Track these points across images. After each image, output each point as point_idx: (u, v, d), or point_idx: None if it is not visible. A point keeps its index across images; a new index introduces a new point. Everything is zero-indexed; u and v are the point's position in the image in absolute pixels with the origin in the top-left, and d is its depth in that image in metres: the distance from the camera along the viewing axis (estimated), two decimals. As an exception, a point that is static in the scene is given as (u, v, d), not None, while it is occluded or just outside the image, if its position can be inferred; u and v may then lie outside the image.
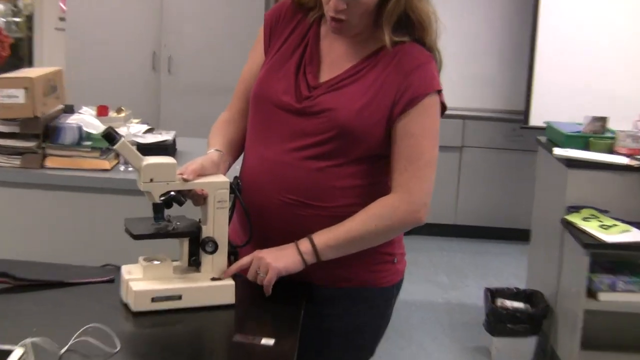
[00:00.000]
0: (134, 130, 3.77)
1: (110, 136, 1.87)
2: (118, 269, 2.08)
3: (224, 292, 1.99)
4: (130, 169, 3.36)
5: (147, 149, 3.23)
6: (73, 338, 1.71)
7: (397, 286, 2.26)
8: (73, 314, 1.90)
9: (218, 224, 1.99)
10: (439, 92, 2.06)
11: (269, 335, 1.82)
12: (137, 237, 1.90)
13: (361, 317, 2.16)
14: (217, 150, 2.12)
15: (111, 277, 2.12)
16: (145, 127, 3.90)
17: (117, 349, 1.73)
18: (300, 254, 2.01)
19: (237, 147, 2.24)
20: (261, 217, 2.10)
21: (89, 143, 3.34)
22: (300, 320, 1.96)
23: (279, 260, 2.00)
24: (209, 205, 1.98)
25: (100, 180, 3.32)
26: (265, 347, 1.78)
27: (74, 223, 3.35)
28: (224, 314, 1.96)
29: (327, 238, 2.02)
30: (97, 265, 2.22)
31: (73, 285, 2.06)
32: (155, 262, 1.97)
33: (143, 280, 1.94)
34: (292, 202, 2.06)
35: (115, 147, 1.88)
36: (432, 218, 5.55)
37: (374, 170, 2.10)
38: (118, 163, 3.49)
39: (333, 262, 2.06)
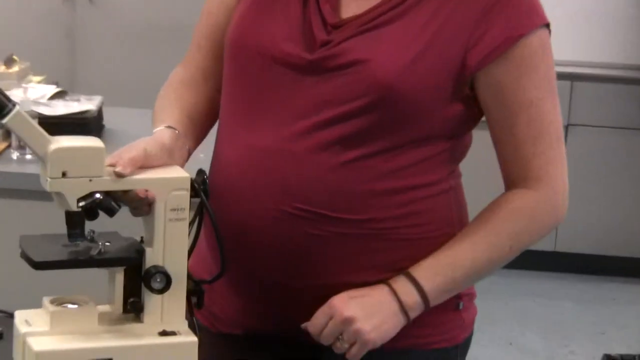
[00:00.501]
0: (34, 95, 3.37)
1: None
2: (9, 316, 1.88)
3: (181, 354, 1.65)
4: (29, 156, 3.01)
5: (56, 125, 2.69)
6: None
7: (463, 347, 1.88)
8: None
9: (172, 247, 1.67)
10: (547, 25, 1.73)
11: None
12: (39, 265, 1.62)
13: None
14: (168, 127, 1.75)
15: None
16: (54, 89, 3.49)
17: None
18: (404, 309, 1.67)
19: (201, 124, 1.87)
20: (245, 237, 1.74)
21: None
22: None
23: (378, 328, 1.66)
24: (157, 216, 1.66)
25: None
26: None
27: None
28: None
29: (440, 278, 1.70)
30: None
31: None
32: (70, 306, 1.67)
33: (50, 334, 1.65)
34: (299, 216, 1.70)
35: (4, 121, 1.57)
36: None
37: (437, 161, 1.74)
38: (9, 147, 3.07)
39: None
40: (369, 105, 1.68)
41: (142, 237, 1.70)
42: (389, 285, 1.69)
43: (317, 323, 1.68)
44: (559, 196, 1.75)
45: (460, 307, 1.84)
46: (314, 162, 1.71)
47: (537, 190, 1.73)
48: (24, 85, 3.46)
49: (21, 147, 2.98)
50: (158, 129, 1.75)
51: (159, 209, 1.65)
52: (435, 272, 1.70)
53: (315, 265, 1.71)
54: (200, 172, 1.70)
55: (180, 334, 1.66)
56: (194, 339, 1.65)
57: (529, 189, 1.73)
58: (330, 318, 1.67)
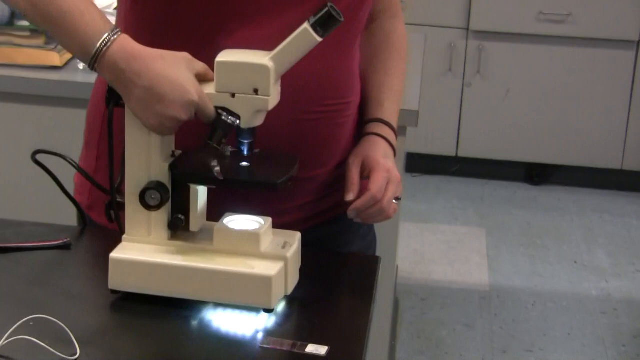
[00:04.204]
0: (101, 4, 3.07)
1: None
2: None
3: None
4: None
5: None
6: (4, 338, 1.36)
7: None
8: (7, 296, 1.55)
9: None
10: None
11: (318, 341, 1.42)
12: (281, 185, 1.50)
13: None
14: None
15: (66, 239, 1.68)
16: None
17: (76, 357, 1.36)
18: (394, 151, 1.71)
19: None
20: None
21: (26, 23, 2.79)
22: (370, 317, 1.52)
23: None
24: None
25: (47, 84, 2.79)
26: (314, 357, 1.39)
27: (11, 150, 2.85)
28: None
29: (396, 117, 1.76)
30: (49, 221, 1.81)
31: (7, 251, 1.68)
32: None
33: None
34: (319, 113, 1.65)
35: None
36: (582, 158, 4.89)
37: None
38: (74, 57, 2.86)
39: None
40: None
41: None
42: (384, 138, 1.70)
43: (381, 188, 1.63)
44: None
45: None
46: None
47: (399, 18, 1.80)
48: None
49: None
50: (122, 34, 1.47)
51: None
52: (395, 110, 1.75)
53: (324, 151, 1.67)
54: None
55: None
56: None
57: (393, 18, 1.79)
58: (389, 182, 1.64)
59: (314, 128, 1.63)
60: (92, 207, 1.69)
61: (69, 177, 1.71)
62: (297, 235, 1.50)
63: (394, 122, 1.73)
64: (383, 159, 1.64)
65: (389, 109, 1.74)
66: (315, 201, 1.69)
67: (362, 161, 1.65)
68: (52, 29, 1.47)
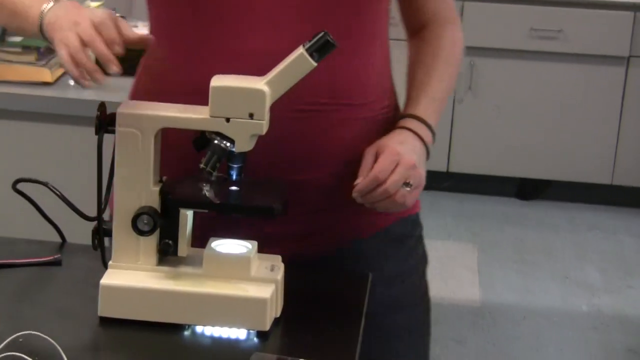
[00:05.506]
0: None
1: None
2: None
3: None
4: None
5: None
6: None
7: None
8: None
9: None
10: None
11: (309, 356, 1.42)
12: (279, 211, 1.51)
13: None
14: None
15: (57, 256, 1.70)
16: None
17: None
18: (428, 152, 1.67)
19: None
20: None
21: (17, 39, 2.83)
22: (360, 333, 1.53)
23: (425, 173, 1.63)
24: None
25: (38, 100, 2.80)
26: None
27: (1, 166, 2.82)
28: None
29: (435, 116, 1.71)
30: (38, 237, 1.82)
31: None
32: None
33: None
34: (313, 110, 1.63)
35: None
36: (572, 174, 4.91)
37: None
38: (65, 73, 2.91)
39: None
40: None
41: None
42: (412, 131, 1.67)
43: (385, 169, 1.60)
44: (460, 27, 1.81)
45: None
46: None
47: (454, 24, 1.77)
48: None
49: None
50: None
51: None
52: (433, 110, 1.71)
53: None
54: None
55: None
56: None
57: (449, 24, 1.77)
58: (397, 165, 1.60)
59: (301, 125, 1.62)
60: None
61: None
62: (280, 258, 1.52)
63: (429, 119, 1.69)
64: (396, 144, 1.61)
65: (423, 105, 1.71)
66: (315, 211, 1.67)
67: (377, 149, 1.62)
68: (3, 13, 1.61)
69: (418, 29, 1.76)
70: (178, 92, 1.58)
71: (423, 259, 1.82)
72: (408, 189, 1.59)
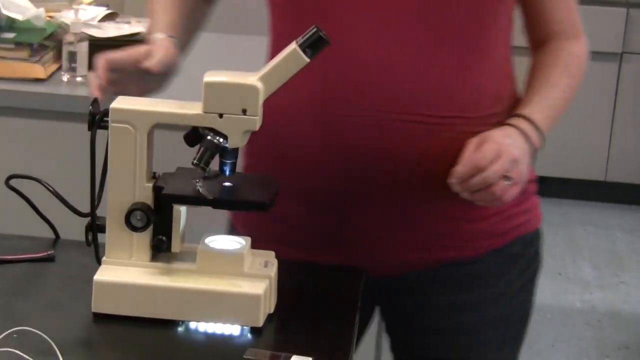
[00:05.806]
0: (85, 16, 3.21)
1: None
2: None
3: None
4: (80, 78, 2.85)
5: (106, 47, 2.58)
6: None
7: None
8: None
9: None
10: None
11: (303, 352, 1.42)
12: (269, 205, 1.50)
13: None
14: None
15: (50, 251, 1.69)
16: (104, 10, 3.37)
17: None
18: (533, 152, 1.63)
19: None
20: (350, 156, 1.61)
21: (10, 36, 2.82)
22: (355, 328, 1.52)
23: (527, 171, 1.61)
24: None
25: (31, 96, 2.81)
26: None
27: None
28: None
29: (548, 120, 1.67)
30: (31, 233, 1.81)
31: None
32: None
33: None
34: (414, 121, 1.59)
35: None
36: (566, 170, 4.90)
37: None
38: (59, 69, 2.93)
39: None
40: None
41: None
42: (518, 129, 1.62)
43: (486, 157, 1.54)
44: (585, 42, 1.80)
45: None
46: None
47: (578, 38, 1.77)
48: (74, 6, 3.32)
49: (72, 69, 2.89)
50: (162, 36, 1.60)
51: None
52: (545, 115, 1.66)
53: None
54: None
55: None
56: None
57: (574, 39, 1.76)
58: (499, 155, 1.54)
59: (430, 139, 1.59)
60: None
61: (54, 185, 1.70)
62: (273, 254, 1.51)
63: (539, 121, 1.64)
64: (501, 137, 1.57)
65: (535, 107, 1.66)
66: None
67: (480, 139, 1.57)
68: None
69: (542, 41, 1.74)
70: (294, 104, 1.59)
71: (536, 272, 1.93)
72: (508, 182, 1.53)
